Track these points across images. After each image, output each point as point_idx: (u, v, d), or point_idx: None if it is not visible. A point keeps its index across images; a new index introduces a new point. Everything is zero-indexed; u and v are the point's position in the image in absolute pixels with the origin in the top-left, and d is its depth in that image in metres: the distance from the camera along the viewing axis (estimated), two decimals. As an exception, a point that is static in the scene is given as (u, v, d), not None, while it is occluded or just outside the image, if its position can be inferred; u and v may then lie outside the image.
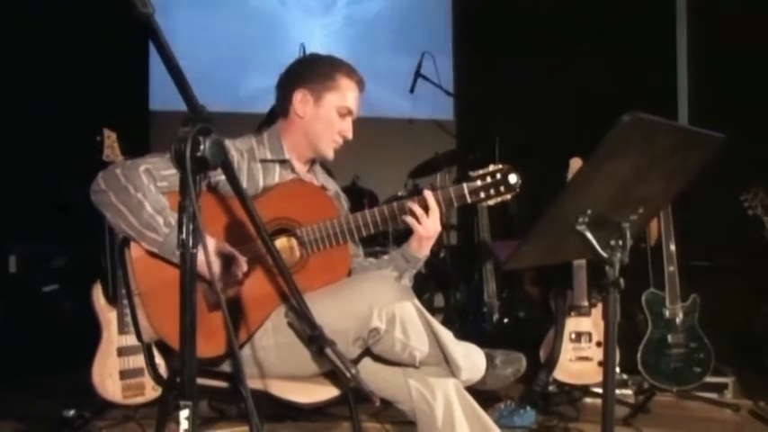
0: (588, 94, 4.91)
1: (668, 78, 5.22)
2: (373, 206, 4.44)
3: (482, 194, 2.06)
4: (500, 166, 2.08)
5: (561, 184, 3.21)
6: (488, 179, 2.07)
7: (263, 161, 2.11)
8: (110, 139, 3.15)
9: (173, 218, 1.83)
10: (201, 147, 1.17)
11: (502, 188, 2.07)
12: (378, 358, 1.95)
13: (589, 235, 1.51)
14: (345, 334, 1.82)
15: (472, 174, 2.08)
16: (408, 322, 1.86)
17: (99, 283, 3.19)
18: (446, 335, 1.93)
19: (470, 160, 4.57)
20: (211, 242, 1.84)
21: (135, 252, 1.87)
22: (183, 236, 1.16)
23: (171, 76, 1.17)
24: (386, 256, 2.29)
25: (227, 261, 1.85)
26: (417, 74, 5.10)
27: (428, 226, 2.07)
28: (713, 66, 4.82)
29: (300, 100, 2.13)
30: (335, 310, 1.81)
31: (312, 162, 2.24)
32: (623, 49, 5.03)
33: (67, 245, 4.49)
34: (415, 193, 4.38)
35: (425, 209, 2.06)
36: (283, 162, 2.14)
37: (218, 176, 1.92)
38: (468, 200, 2.07)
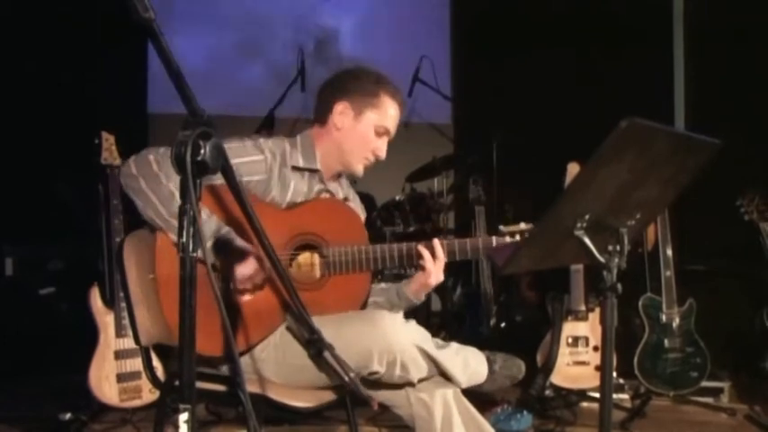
0: (586, 98, 4.92)
1: (665, 83, 5.23)
2: (371, 211, 4.48)
3: None
4: (531, 225, 2.05)
5: (559, 188, 3.22)
6: (518, 237, 2.05)
7: (295, 168, 2.07)
8: (108, 141, 3.15)
9: (204, 213, 1.81)
10: (202, 151, 1.17)
11: None
12: None
13: (587, 240, 1.51)
14: None
15: (503, 228, 2.07)
16: (409, 362, 1.85)
17: (96, 285, 3.18)
18: (446, 358, 1.92)
19: (468, 164, 4.58)
20: (232, 233, 1.84)
21: (160, 240, 1.87)
22: (184, 239, 1.16)
23: (171, 79, 1.17)
24: (382, 284, 2.24)
25: (236, 255, 1.84)
26: (415, 78, 5.11)
27: (433, 275, 2.04)
28: (710, 71, 4.84)
29: (341, 112, 2.10)
30: (336, 347, 1.74)
31: (339, 174, 2.22)
32: (620, 53, 5.04)
33: (64, 247, 4.48)
34: (415, 198, 4.40)
35: (433, 256, 2.03)
36: (313, 171, 2.11)
37: (218, 180, 1.89)
38: None
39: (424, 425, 1.93)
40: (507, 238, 2.05)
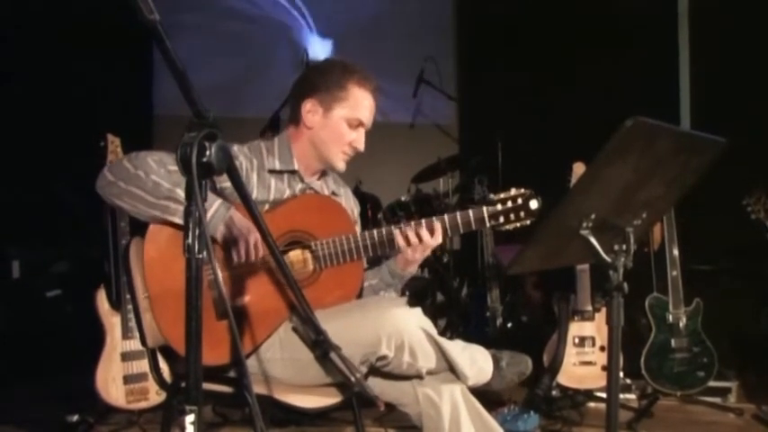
0: (590, 99, 4.91)
1: (670, 83, 5.22)
2: (376, 211, 4.48)
3: (501, 219, 2.02)
4: (522, 190, 2.03)
5: (564, 188, 3.22)
6: (509, 204, 2.02)
7: (272, 171, 2.07)
8: (113, 144, 3.16)
9: (210, 199, 1.80)
10: (207, 152, 1.17)
11: (522, 213, 2.02)
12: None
13: (593, 239, 1.51)
14: (352, 358, 1.78)
15: (493, 197, 2.03)
16: (417, 347, 1.85)
17: (102, 287, 3.19)
18: (453, 349, 1.91)
19: (473, 165, 4.58)
20: (237, 215, 1.84)
21: (148, 255, 1.86)
22: (189, 241, 1.16)
23: (176, 81, 1.17)
24: (375, 269, 2.23)
25: (242, 236, 1.84)
26: (420, 78, 5.11)
27: (418, 253, 2.04)
28: (715, 70, 4.82)
29: (309, 110, 2.07)
30: (343, 335, 1.75)
31: (323, 171, 2.20)
32: (626, 53, 5.03)
33: (70, 250, 4.49)
34: (420, 198, 4.39)
35: (430, 232, 2.01)
36: (292, 172, 2.10)
37: (225, 182, 1.89)
38: (488, 224, 2.02)
39: (431, 423, 1.92)
40: (499, 206, 2.01)
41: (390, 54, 5.74)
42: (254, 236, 1.84)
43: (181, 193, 1.77)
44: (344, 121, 2.07)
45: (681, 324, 3.44)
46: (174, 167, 1.85)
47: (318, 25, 5.94)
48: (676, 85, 5.23)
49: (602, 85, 4.95)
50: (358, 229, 2.18)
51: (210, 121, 1.20)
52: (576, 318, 3.46)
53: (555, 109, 5.11)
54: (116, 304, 3.17)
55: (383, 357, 1.83)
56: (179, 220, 1.79)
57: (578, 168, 3.31)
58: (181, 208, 1.75)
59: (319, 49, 5.65)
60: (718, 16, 4.75)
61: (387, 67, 5.71)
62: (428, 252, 2.06)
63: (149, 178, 1.80)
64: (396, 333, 1.82)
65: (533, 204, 2.01)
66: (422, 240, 2.01)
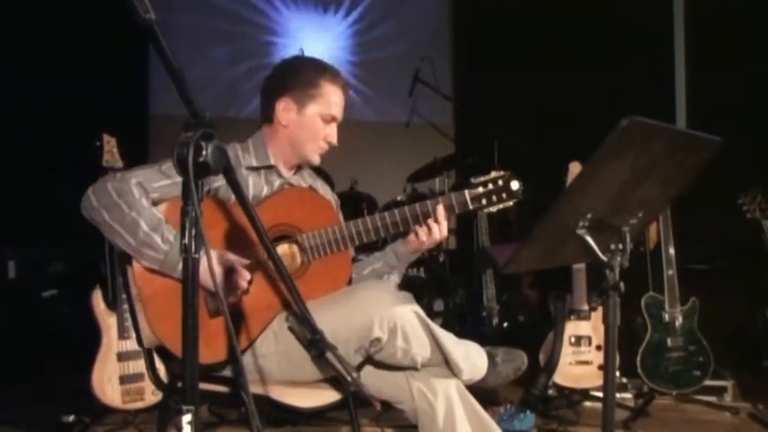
0: (586, 98, 4.92)
1: (666, 82, 5.23)
2: (372, 210, 4.48)
3: (484, 201, 2.06)
4: (501, 172, 2.07)
5: (560, 188, 3.22)
6: (490, 186, 2.06)
7: (249, 168, 2.09)
8: (109, 144, 3.16)
9: (170, 233, 1.82)
10: (204, 152, 1.17)
11: (504, 195, 2.06)
12: (379, 363, 1.95)
13: (589, 239, 1.51)
14: (347, 344, 1.81)
15: (473, 180, 2.07)
16: (410, 330, 1.86)
17: (98, 288, 3.18)
18: (447, 338, 1.92)
19: (469, 164, 4.58)
20: (213, 252, 1.83)
21: (136, 269, 1.88)
22: (186, 240, 1.16)
23: (173, 81, 1.17)
24: (377, 253, 2.27)
25: (229, 270, 1.85)
26: (416, 78, 5.12)
27: (435, 237, 2.09)
28: (711, 70, 4.83)
29: (284, 108, 2.10)
30: (336, 321, 1.79)
31: (299, 166, 2.23)
32: (621, 53, 5.04)
33: (66, 250, 4.48)
34: (416, 198, 4.39)
35: (434, 219, 2.06)
36: (269, 168, 2.13)
37: (216, 182, 1.93)
38: (470, 206, 2.06)
39: (426, 420, 1.93)
40: (480, 189, 2.06)
41: (387, 54, 5.75)
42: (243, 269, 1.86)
43: (157, 239, 1.81)
44: (319, 117, 2.11)
45: (677, 323, 3.45)
46: (158, 183, 1.88)
47: (314, 25, 5.93)
48: (672, 85, 5.24)
49: (598, 85, 4.96)
50: (341, 217, 2.21)
51: (207, 120, 1.20)
52: (572, 317, 3.47)
53: (551, 109, 5.12)
54: (112, 304, 3.16)
55: (377, 340, 1.84)
56: (149, 265, 1.83)
57: (574, 168, 3.31)
58: (152, 254, 1.81)
59: (315, 48, 5.64)
60: (713, 18, 4.77)
61: (383, 66, 5.74)
62: (440, 238, 2.10)
63: (129, 214, 1.81)
64: (388, 315, 1.84)
65: (514, 185, 2.06)
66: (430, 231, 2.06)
